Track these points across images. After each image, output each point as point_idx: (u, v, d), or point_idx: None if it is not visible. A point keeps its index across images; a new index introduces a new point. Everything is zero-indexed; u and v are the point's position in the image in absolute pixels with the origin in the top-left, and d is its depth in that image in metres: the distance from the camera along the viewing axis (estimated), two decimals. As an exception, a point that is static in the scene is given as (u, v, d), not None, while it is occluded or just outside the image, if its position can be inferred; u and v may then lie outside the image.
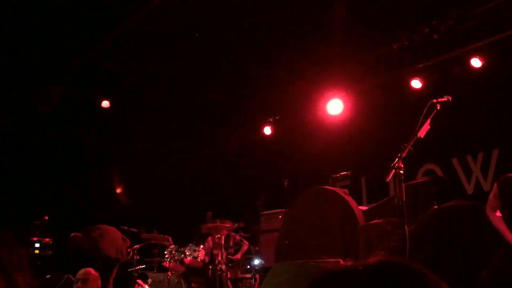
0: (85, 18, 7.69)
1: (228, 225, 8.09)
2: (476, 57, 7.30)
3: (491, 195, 4.71)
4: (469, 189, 7.67)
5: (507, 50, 7.14)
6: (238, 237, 8.63)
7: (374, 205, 7.18)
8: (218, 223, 8.01)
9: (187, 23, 7.99)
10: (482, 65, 7.30)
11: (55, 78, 9.31)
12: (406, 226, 4.28)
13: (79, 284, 5.45)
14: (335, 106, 8.62)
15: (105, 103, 9.69)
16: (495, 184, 4.65)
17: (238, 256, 8.49)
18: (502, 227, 4.47)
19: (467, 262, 5.59)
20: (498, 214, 4.63)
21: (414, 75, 7.96)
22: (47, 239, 9.91)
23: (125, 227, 8.64)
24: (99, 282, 5.63)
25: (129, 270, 8.44)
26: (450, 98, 4.48)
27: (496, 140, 7.34)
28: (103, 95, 9.75)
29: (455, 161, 7.88)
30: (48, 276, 8.22)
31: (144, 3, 7.41)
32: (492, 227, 5.23)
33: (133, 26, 7.88)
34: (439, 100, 4.45)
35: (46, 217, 9.40)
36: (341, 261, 4.66)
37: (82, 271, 5.62)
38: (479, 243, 5.59)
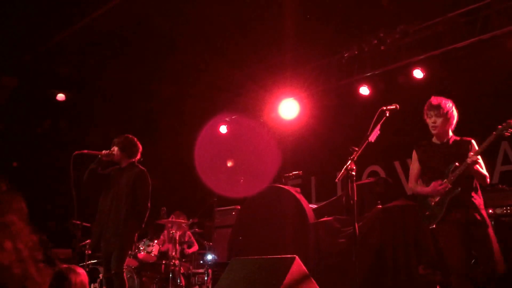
0: (41, 10, 7.64)
1: (182, 220, 8.28)
2: (418, 69, 7.85)
3: (411, 165, 5.09)
4: (409, 190, 8.21)
5: (446, 63, 7.76)
6: (191, 235, 8.82)
7: (323, 203, 7.58)
8: (173, 219, 8.20)
9: (144, 22, 8.11)
10: (424, 76, 7.86)
11: (8, 69, 9.15)
12: (356, 224, 4.59)
13: None
14: (288, 108, 8.97)
15: (60, 96, 9.58)
16: (414, 151, 5.05)
17: (189, 251, 8.69)
18: (420, 189, 4.91)
19: (408, 257, 6.06)
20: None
21: (362, 82, 8.44)
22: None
23: (78, 222, 8.59)
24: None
25: (80, 265, 8.42)
26: (398, 106, 4.86)
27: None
28: (59, 88, 9.65)
29: (397, 164, 8.41)
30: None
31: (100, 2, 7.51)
32: None
33: (89, 21, 7.91)
34: (388, 107, 4.76)
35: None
36: (297, 257, 4.95)
37: None
38: (419, 240, 6.10)
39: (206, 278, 8.03)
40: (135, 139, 5.81)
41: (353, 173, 4.57)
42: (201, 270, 8.36)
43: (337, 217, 6.87)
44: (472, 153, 4.66)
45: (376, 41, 7.87)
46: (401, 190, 8.12)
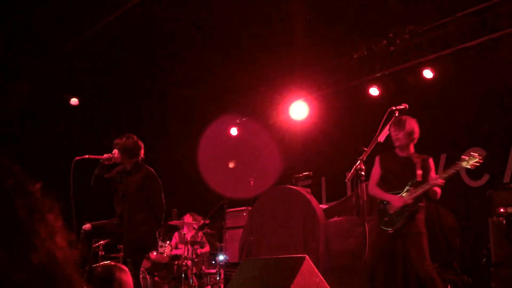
0: (55, 15, 7.76)
1: (194, 221, 8.36)
2: (428, 69, 7.85)
3: (374, 169, 5.45)
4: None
5: (455, 63, 7.76)
6: (203, 236, 8.91)
7: (334, 203, 7.62)
8: (185, 220, 8.29)
9: (158, 22, 8.21)
10: (433, 76, 7.85)
11: (22, 75, 9.29)
12: (365, 223, 4.65)
13: None
14: (298, 110, 9.01)
15: (74, 101, 9.70)
16: (377, 157, 5.42)
17: (202, 250, 8.78)
18: (381, 193, 5.34)
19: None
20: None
21: (372, 83, 8.45)
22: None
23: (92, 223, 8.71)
24: None
25: (93, 265, 8.52)
26: (407, 106, 4.93)
27: (444, 145, 7.92)
28: (72, 93, 9.78)
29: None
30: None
31: (112, 6, 7.62)
32: (448, 223, 5.88)
33: (103, 24, 8.03)
34: (397, 107, 4.85)
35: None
36: (307, 256, 4.99)
37: None
38: (430, 239, 6.12)
39: (218, 278, 8.11)
40: (135, 138, 5.69)
41: (363, 173, 4.63)
42: (213, 271, 8.43)
43: (347, 217, 6.92)
44: (436, 176, 5.13)
45: (385, 42, 7.90)
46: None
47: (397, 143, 5.24)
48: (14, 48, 8.38)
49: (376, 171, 5.42)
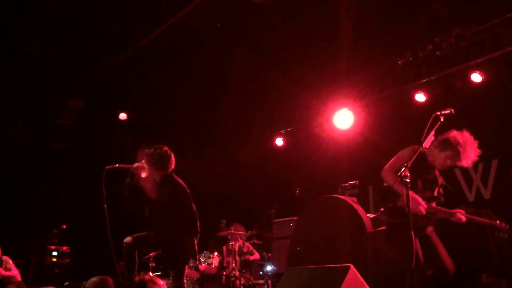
0: (104, 33, 8.05)
1: (242, 232, 8.43)
2: (476, 72, 7.62)
3: (402, 154, 5.12)
4: (470, 197, 7.99)
5: (505, 65, 7.51)
6: (249, 246, 8.96)
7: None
8: (232, 231, 8.37)
9: (201, 39, 8.39)
10: (482, 80, 7.62)
11: (74, 91, 9.63)
12: (412, 231, 4.55)
13: None
14: (343, 118, 8.95)
15: (122, 116, 10.01)
16: (415, 147, 4.93)
17: (251, 258, 8.82)
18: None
19: (469, 264, 5.90)
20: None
21: (418, 89, 8.28)
22: (64, 248, 10.18)
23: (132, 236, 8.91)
24: None
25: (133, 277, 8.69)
26: (453, 110, 4.79)
27: (495, 151, 7.66)
28: (121, 108, 10.07)
29: (457, 171, 8.19)
30: (66, 283, 8.49)
31: (159, 21, 7.85)
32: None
33: (149, 42, 8.29)
34: (443, 112, 4.69)
35: (64, 226, 9.73)
36: (352, 265, 4.94)
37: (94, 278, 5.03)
38: (481, 248, 5.93)
39: (266, 289, 8.13)
40: (164, 149, 5.59)
41: (407, 180, 4.54)
42: (261, 281, 8.47)
43: (395, 226, 6.77)
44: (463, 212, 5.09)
45: (431, 47, 7.76)
46: (462, 197, 7.93)
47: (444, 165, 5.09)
48: (66, 64, 8.72)
49: (405, 157, 4.94)
